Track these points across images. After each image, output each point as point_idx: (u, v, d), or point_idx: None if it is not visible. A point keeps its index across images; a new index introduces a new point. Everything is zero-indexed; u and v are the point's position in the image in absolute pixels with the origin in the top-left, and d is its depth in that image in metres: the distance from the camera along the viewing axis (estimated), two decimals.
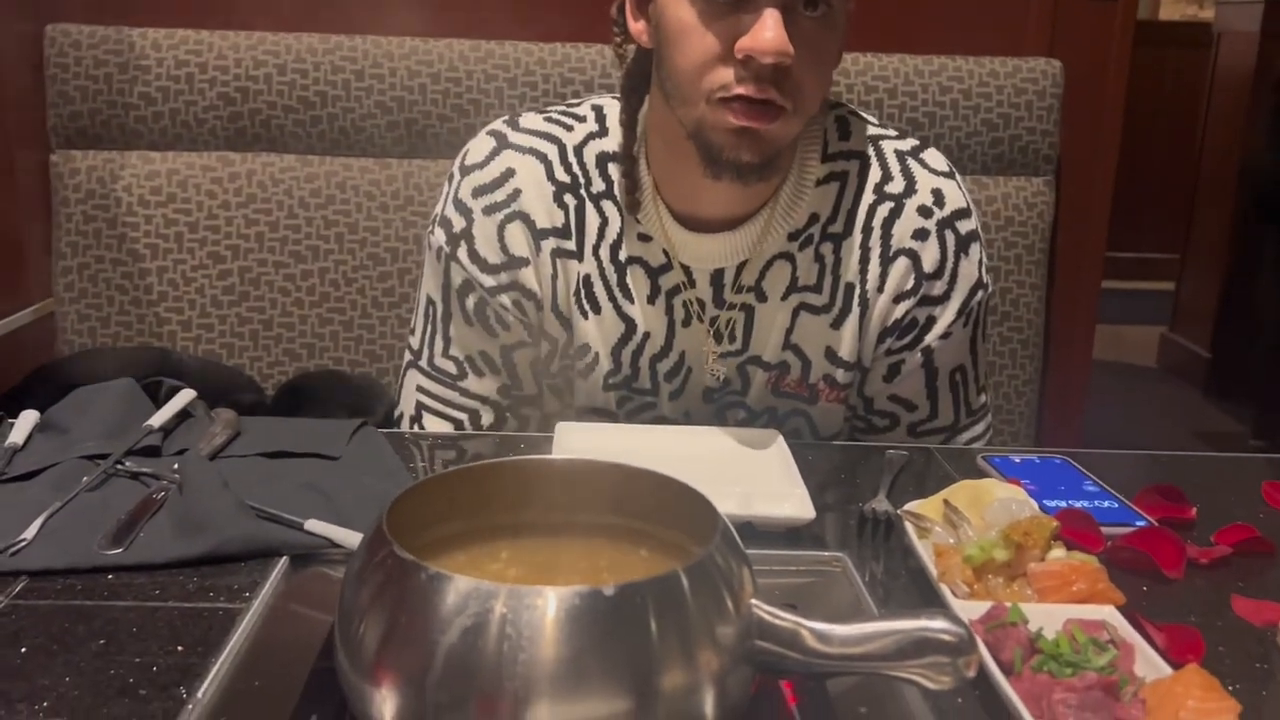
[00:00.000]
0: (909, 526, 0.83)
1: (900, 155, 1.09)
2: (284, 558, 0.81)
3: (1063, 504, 0.93)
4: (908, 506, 0.86)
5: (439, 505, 0.66)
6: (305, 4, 1.61)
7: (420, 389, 1.13)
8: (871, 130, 1.10)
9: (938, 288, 1.08)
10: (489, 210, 1.06)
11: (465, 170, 1.08)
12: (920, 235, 1.07)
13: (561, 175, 1.07)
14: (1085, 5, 1.69)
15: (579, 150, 1.07)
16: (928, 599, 0.76)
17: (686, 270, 1.06)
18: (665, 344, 1.08)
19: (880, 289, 1.07)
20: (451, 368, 1.11)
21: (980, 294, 1.11)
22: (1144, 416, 3.67)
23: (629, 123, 1.05)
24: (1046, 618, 0.69)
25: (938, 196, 1.08)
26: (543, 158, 1.07)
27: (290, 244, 1.58)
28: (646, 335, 1.08)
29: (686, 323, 1.08)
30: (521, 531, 0.68)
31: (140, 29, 1.55)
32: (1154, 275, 4.76)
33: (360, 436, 1.04)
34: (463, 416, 1.12)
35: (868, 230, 1.06)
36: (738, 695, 0.58)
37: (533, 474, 0.68)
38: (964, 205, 1.10)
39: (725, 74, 0.91)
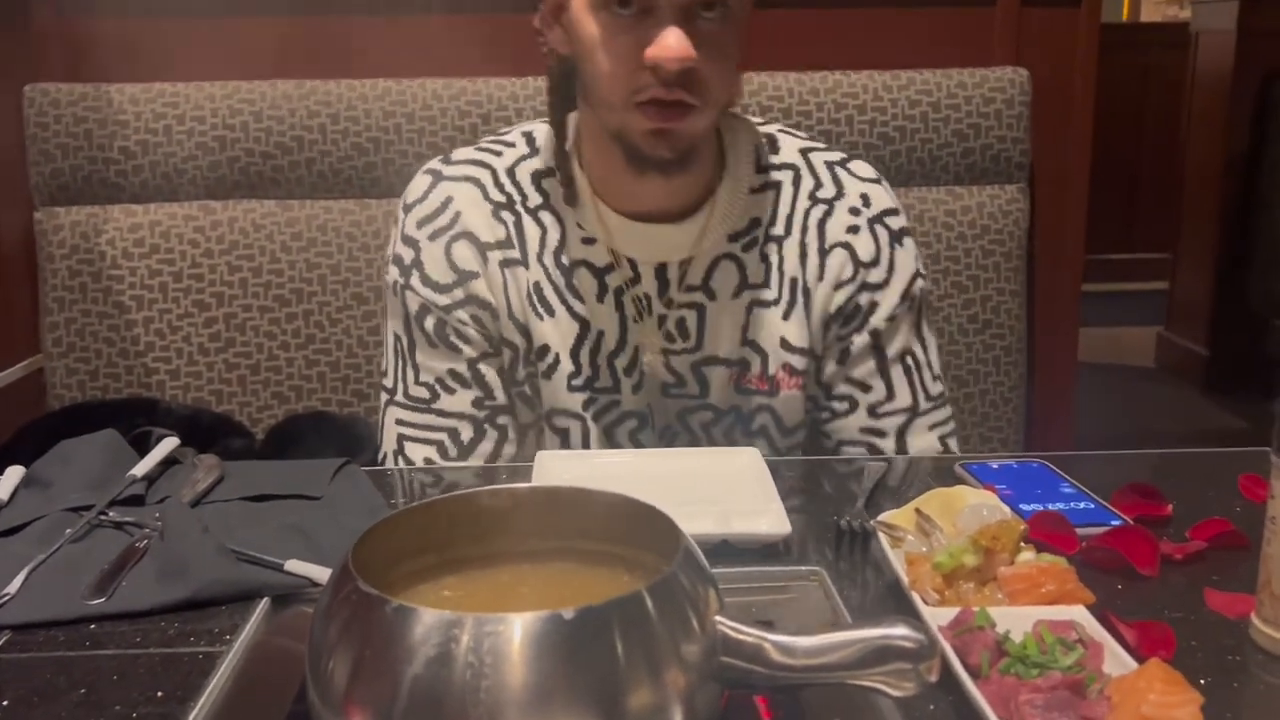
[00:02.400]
0: (883, 537, 0.83)
1: (829, 165, 1.17)
2: (265, 599, 0.81)
3: (1038, 507, 0.94)
4: (882, 517, 0.87)
5: (406, 540, 0.66)
6: (278, 52, 1.64)
7: (399, 422, 1.15)
8: (802, 144, 1.18)
9: (875, 274, 1.15)
10: (434, 236, 1.12)
11: (408, 208, 1.15)
12: (853, 230, 1.14)
13: (496, 195, 1.13)
14: (1049, 13, 1.71)
15: (511, 171, 1.14)
16: (902, 609, 0.77)
17: (632, 265, 1.11)
18: (619, 340, 1.13)
19: (820, 278, 1.14)
20: (424, 393, 1.14)
21: (920, 283, 1.17)
22: (1144, 417, 3.66)
23: (558, 121, 1.12)
24: (1016, 620, 0.69)
25: (865, 199, 1.16)
26: (477, 182, 1.13)
27: (274, 288, 1.59)
28: (601, 333, 1.12)
29: (637, 319, 1.12)
30: (489, 562, 0.68)
31: (117, 85, 1.57)
32: (1149, 275, 4.77)
33: (343, 475, 1.04)
34: (442, 437, 1.13)
35: (804, 230, 1.14)
36: (706, 712, 0.59)
37: (498, 504, 0.68)
38: (892, 205, 1.18)
39: (636, 79, 0.98)
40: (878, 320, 1.15)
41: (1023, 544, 0.78)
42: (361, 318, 1.59)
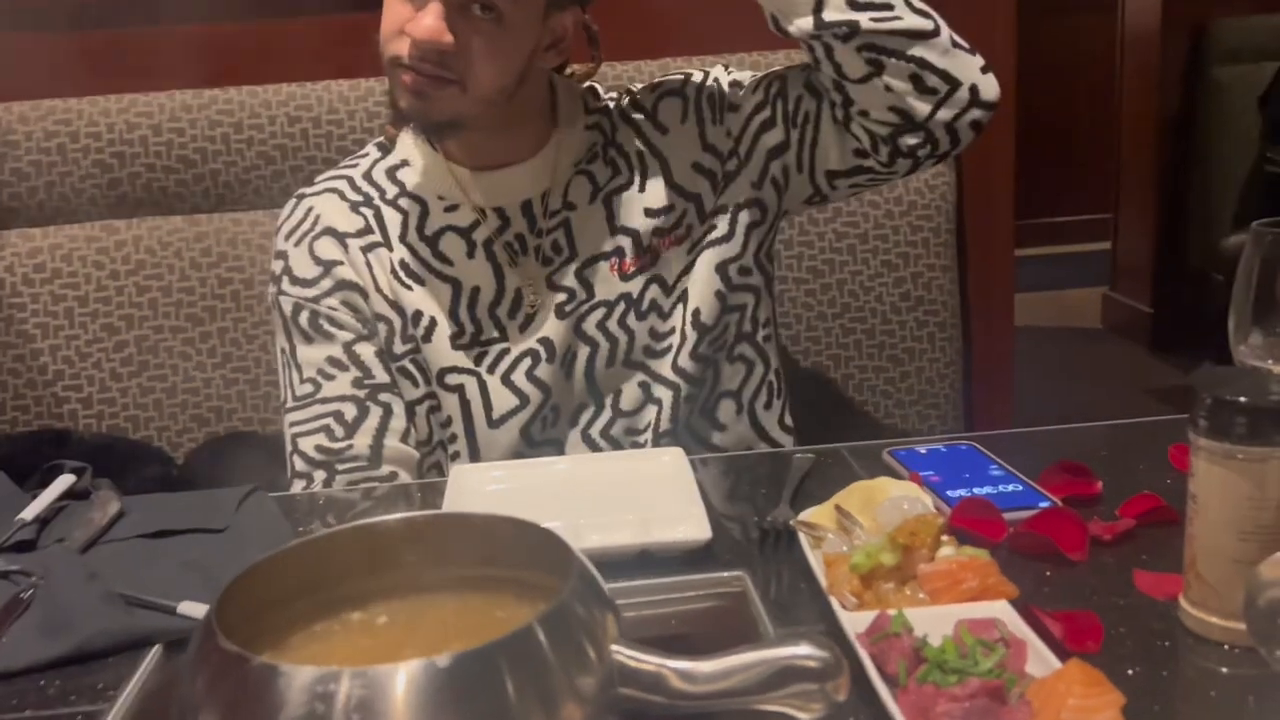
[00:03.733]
0: (802, 537, 0.80)
1: (640, 88, 1.27)
2: (155, 647, 0.77)
3: (965, 493, 0.91)
4: (802, 515, 0.84)
5: (285, 580, 0.62)
6: (173, 61, 1.57)
7: (292, 424, 1.17)
8: (618, 92, 1.28)
9: (696, 78, 1.22)
10: (299, 240, 1.19)
11: (279, 230, 1.23)
12: (657, 86, 1.24)
13: (355, 196, 1.21)
14: None
15: (367, 175, 1.22)
16: (824, 614, 0.74)
17: (499, 213, 1.18)
18: (497, 290, 1.17)
19: (664, 131, 1.21)
20: (309, 389, 1.16)
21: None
22: (1091, 378, 3.68)
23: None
24: (937, 621, 0.67)
25: (665, 77, 1.26)
26: (336, 190, 1.22)
27: (186, 307, 1.53)
28: (476, 289, 1.17)
29: (513, 263, 1.18)
30: (377, 597, 0.64)
31: (3, 104, 1.50)
32: (1092, 236, 4.80)
33: (249, 504, 1.00)
34: (327, 421, 1.15)
35: (630, 121, 1.22)
36: None
37: (380, 537, 0.65)
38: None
39: (400, 46, 1.07)
40: (725, 80, 1.21)
41: (944, 538, 0.75)
42: (275, 334, 1.53)
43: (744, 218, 1.20)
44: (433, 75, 1.07)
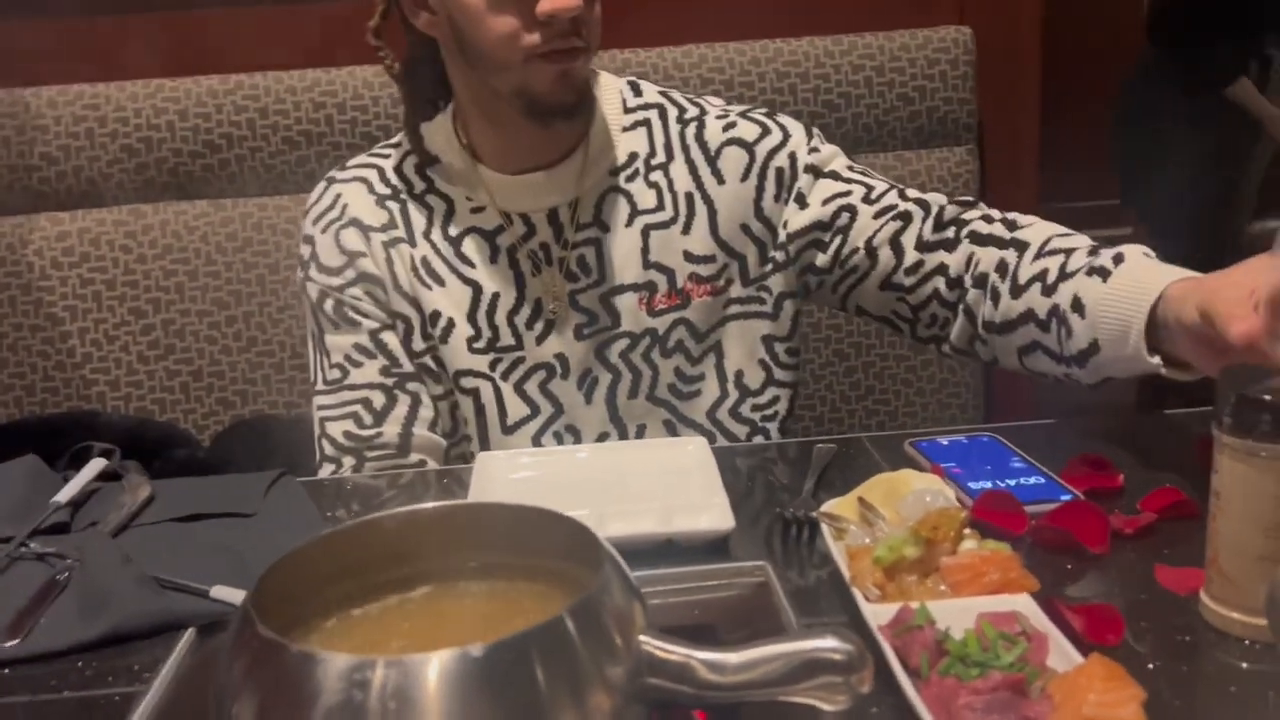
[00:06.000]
0: (825, 529, 0.81)
1: (687, 97, 1.24)
2: (189, 630, 0.78)
3: (987, 485, 0.92)
4: (825, 507, 0.84)
5: (320, 568, 0.63)
6: (199, 47, 1.58)
7: (320, 407, 1.18)
8: (660, 88, 1.24)
9: (771, 140, 1.18)
10: (325, 227, 1.18)
11: (307, 213, 1.21)
12: (729, 127, 1.19)
13: (383, 189, 1.19)
14: None
15: (398, 168, 1.20)
16: (846, 605, 0.75)
17: (525, 220, 1.16)
18: (517, 297, 1.16)
19: (721, 181, 1.17)
20: (337, 374, 1.17)
21: (815, 126, 1.22)
22: None
23: (419, 118, 1.18)
24: (959, 614, 0.67)
25: (726, 110, 1.21)
26: (364, 180, 1.20)
27: (211, 291, 1.55)
28: (496, 294, 1.16)
29: (535, 272, 1.16)
30: (405, 586, 0.65)
31: (32, 89, 1.52)
32: (1115, 222, 4.76)
33: (278, 488, 1.01)
34: (356, 408, 1.15)
35: (685, 149, 1.18)
36: None
37: (413, 525, 0.66)
38: (750, 108, 1.23)
39: (534, 36, 1.03)
40: (803, 160, 1.17)
41: (966, 531, 0.75)
42: (304, 317, 1.55)
43: (789, 305, 1.19)
44: (572, 48, 1.04)
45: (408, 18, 1.11)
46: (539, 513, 0.65)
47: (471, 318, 1.16)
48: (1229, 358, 0.81)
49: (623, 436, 1.18)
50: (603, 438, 1.17)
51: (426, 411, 1.17)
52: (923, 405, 1.66)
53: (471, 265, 1.16)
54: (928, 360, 1.65)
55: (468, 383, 1.17)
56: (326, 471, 1.16)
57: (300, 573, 0.62)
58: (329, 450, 1.16)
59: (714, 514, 0.88)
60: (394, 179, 1.20)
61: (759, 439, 1.21)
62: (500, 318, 1.16)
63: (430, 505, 0.67)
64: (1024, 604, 0.69)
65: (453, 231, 1.16)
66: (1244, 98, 2.60)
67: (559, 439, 1.17)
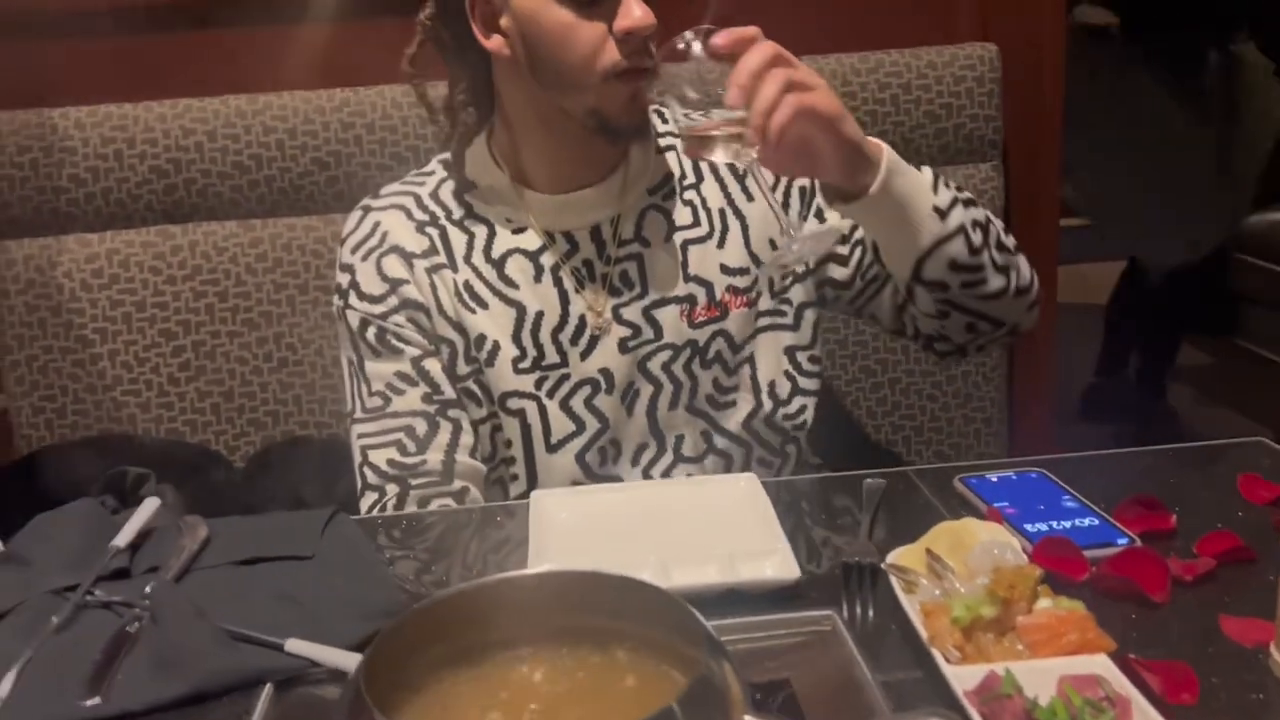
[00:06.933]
0: (894, 581, 0.82)
1: None
2: (267, 685, 0.79)
3: (1043, 527, 0.93)
4: (891, 558, 0.85)
5: (424, 635, 0.64)
6: (227, 67, 1.58)
7: (360, 435, 1.18)
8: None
9: None
10: (366, 255, 1.19)
11: (343, 241, 1.22)
12: None
13: (421, 216, 1.20)
14: None
15: (434, 194, 1.22)
16: (920, 660, 0.76)
17: (568, 237, 1.18)
18: (561, 315, 1.18)
19: (750, 199, 1.22)
20: (378, 401, 1.18)
21: None
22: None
23: (470, 135, 1.19)
24: (1040, 676, 0.69)
25: None
26: (402, 208, 1.21)
27: (242, 312, 1.55)
28: (540, 313, 1.18)
29: (579, 289, 1.18)
30: (505, 653, 0.66)
31: (60, 110, 1.51)
32: None
33: (333, 528, 1.02)
34: (399, 435, 1.16)
35: (721, 180, 1.23)
36: None
37: (513, 593, 0.66)
38: None
39: (612, 54, 1.06)
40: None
41: (1039, 588, 0.77)
42: (334, 337, 1.54)
43: (809, 315, 1.24)
44: (644, 67, 1.06)
45: (479, 38, 1.12)
46: (636, 585, 0.66)
47: (516, 338, 1.17)
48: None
49: (661, 448, 1.20)
50: (642, 449, 1.19)
51: (467, 438, 1.18)
52: (948, 419, 1.67)
53: (515, 286, 1.18)
54: (952, 376, 1.66)
55: (514, 404, 1.18)
56: (370, 500, 1.17)
57: (405, 639, 0.63)
58: (372, 479, 1.17)
59: (778, 561, 0.89)
60: (431, 205, 1.21)
61: (791, 448, 1.25)
62: (545, 336, 1.18)
63: (530, 572, 0.68)
64: (1102, 665, 0.70)
65: (495, 254, 1.18)
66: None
67: (603, 455, 1.18)
